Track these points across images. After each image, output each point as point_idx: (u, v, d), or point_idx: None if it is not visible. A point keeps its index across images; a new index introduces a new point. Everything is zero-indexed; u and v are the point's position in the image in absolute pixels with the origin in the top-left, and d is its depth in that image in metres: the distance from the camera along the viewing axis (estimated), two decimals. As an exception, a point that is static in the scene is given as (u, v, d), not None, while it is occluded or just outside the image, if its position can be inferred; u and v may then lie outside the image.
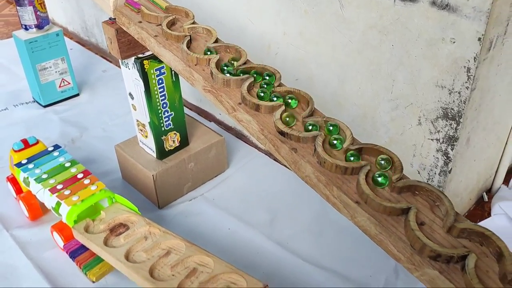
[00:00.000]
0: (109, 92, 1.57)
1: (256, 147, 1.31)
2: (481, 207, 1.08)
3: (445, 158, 0.86)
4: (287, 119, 0.66)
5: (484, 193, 1.10)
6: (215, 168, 1.19)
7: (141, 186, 1.12)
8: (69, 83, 1.51)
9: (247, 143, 1.33)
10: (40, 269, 0.95)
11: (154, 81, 0.98)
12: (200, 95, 1.42)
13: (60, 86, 1.49)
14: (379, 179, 0.59)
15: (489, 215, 1.04)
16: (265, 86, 0.73)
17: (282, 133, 0.66)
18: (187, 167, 1.12)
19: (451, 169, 0.87)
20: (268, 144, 0.68)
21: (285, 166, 1.22)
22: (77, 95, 1.55)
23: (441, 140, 0.85)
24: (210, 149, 1.15)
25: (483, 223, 1.00)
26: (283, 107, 0.69)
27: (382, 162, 0.61)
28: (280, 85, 0.74)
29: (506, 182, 1.14)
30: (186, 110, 1.23)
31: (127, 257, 0.81)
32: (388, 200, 0.57)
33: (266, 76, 0.74)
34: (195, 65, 0.78)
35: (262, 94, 0.71)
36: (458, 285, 0.50)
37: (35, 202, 1.04)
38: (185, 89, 1.47)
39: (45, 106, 1.49)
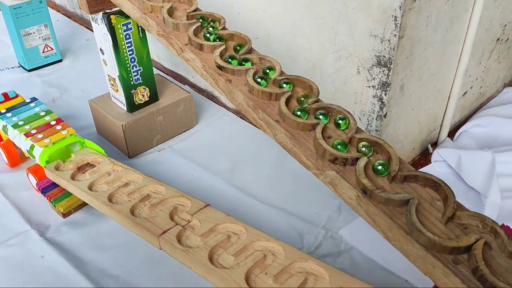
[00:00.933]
0: (91, 58, 1.66)
1: (225, 106, 1.39)
2: (425, 158, 1.17)
3: (380, 103, 0.95)
4: (229, 59, 0.75)
5: (429, 145, 1.19)
6: (184, 123, 1.28)
7: (113, 137, 1.20)
8: (52, 49, 1.59)
9: (217, 104, 1.41)
10: (16, 207, 1.04)
11: (121, 36, 1.07)
12: (175, 60, 1.51)
13: (43, 52, 1.57)
14: (302, 99, 0.67)
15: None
16: (211, 29, 0.81)
17: (220, 67, 0.75)
18: (156, 120, 1.20)
19: (386, 113, 0.96)
20: (209, 78, 0.77)
21: (251, 123, 1.31)
22: (60, 61, 1.63)
23: (376, 87, 0.94)
24: (179, 104, 1.23)
25: (424, 169, 1.09)
26: (223, 46, 0.78)
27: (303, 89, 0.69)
28: (224, 28, 0.83)
29: (452, 136, 1.22)
30: (161, 73, 1.31)
31: (90, 188, 0.90)
32: (301, 118, 0.66)
33: (211, 21, 0.83)
34: (150, 12, 0.86)
35: (208, 35, 0.79)
36: (350, 182, 0.59)
37: (13, 150, 1.13)
38: (161, 54, 1.56)
39: (29, 70, 1.58)
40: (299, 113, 0.65)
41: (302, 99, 0.67)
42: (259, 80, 0.71)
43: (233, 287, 0.61)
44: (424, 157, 1.17)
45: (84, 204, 1.04)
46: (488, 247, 0.51)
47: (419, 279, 0.87)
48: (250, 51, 0.78)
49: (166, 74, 1.56)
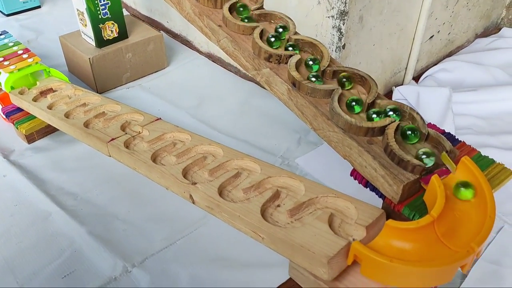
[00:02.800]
0: (69, 5, 1.66)
1: (198, 51, 1.40)
2: (390, 99, 1.19)
3: (339, 34, 0.96)
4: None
5: (394, 87, 1.20)
6: (154, 63, 1.29)
7: (82, 73, 1.22)
8: (30, -6, 1.59)
9: (190, 48, 1.43)
10: (-17, 133, 1.06)
11: (88, -33, 1.07)
12: (151, 5, 1.51)
13: (21, -4, 1.58)
14: (240, 9, 0.69)
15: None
16: None
17: (170, -20, 0.76)
18: (125, 57, 1.22)
19: (344, 44, 0.97)
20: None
21: (222, 66, 1.33)
22: (39, 7, 1.64)
23: (335, 17, 0.95)
24: (148, 42, 1.24)
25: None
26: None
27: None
28: None
29: (417, 80, 1.24)
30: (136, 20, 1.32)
31: (50, 108, 0.92)
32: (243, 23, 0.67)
33: None
34: None
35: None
36: (283, 77, 0.61)
37: (-17, 81, 1.14)
38: (137, 0, 1.56)
39: (7, 15, 1.58)
40: (246, 20, 0.67)
41: (242, 8, 0.69)
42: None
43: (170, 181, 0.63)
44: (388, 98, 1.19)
45: (49, 132, 1.06)
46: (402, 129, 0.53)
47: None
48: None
49: (142, 20, 1.56)
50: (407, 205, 0.50)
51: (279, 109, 1.15)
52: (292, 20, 0.67)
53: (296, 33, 0.66)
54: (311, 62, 0.60)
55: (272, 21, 0.69)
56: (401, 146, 0.52)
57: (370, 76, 0.59)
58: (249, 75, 1.20)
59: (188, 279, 0.77)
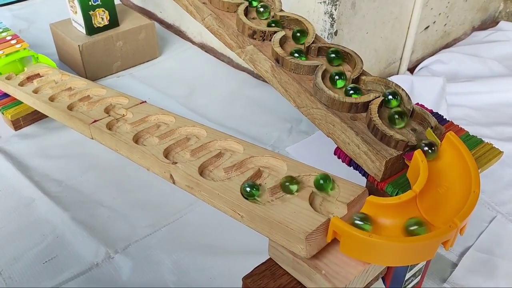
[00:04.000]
0: (63, -4, 1.64)
1: (191, 41, 1.39)
2: (383, 88, 1.17)
3: (331, 20, 0.95)
4: None
5: (389, 79, 1.18)
6: (146, 52, 1.27)
7: (72, 60, 1.20)
8: (23, -16, 1.58)
9: (183, 38, 1.41)
10: (-30, 120, 1.05)
11: (77, -48, 1.06)
12: (144, -4, 1.50)
13: (14, -14, 1.56)
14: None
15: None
16: None
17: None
18: (116, 45, 1.20)
19: (336, 30, 0.95)
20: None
21: (215, 56, 1.31)
22: (32, -3, 1.62)
23: (327, 2, 0.93)
24: (140, 31, 1.23)
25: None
26: None
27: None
28: None
29: (412, 71, 1.22)
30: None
31: (35, 92, 0.90)
32: None
33: None
34: None
35: None
36: (266, 54, 0.59)
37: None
38: (131, -10, 1.54)
39: (0, 5, 1.57)
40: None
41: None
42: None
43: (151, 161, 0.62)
44: (381, 88, 1.17)
45: (36, 119, 1.05)
46: (386, 106, 0.52)
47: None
48: None
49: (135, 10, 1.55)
50: (390, 182, 0.49)
51: (271, 98, 1.13)
52: (280, 3, 0.65)
53: (281, 10, 0.64)
54: (298, 34, 0.58)
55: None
56: (382, 118, 0.50)
57: (355, 53, 0.57)
58: (240, 65, 1.18)
59: (171, 265, 0.75)
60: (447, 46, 1.34)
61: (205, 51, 1.34)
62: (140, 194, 0.88)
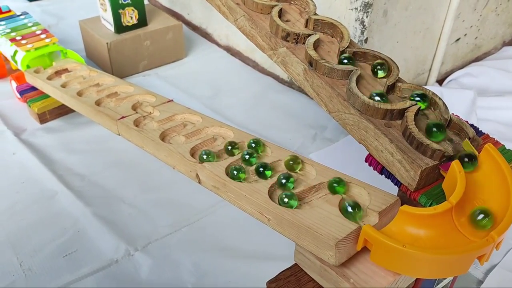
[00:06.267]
0: (92, -6, 1.66)
1: (217, 44, 1.39)
2: (410, 99, 1.15)
3: (362, 26, 0.94)
4: None
5: (415, 88, 1.17)
6: (172, 52, 1.28)
7: (100, 58, 1.21)
8: (54, -19, 1.60)
9: (210, 41, 1.41)
10: (-3, 111, 1.06)
11: (111, -50, 1.07)
12: (173, -3, 1.51)
13: (45, -17, 1.59)
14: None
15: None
16: None
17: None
18: (143, 44, 1.21)
19: (367, 38, 0.94)
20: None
21: (240, 60, 1.31)
22: (62, -6, 1.64)
23: (358, 9, 0.93)
24: (167, 31, 1.23)
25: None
26: None
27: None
28: None
29: (441, 83, 1.20)
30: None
31: (63, 86, 0.91)
32: None
33: None
34: None
35: None
36: (299, 57, 0.58)
37: (1, 61, 1.15)
38: (159, -10, 1.56)
39: (31, 0, 1.59)
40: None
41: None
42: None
43: (177, 159, 0.61)
44: (408, 99, 1.15)
45: (62, 113, 1.05)
46: (423, 114, 0.50)
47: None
48: None
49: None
50: (424, 193, 0.47)
51: (296, 104, 1.12)
52: (312, 1, 0.64)
53: (316, 13, 0.63)
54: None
55: (292, 2, 0.66)
56: (418, 126, 0.48)
57: (391, 59, 0.56)
58: (266, 69, 1.18)
59: (190, 266, 0.75)
60: (477, 59, 1.31)
61: (231, 54, 1.34)
62: (162, 193, 0.88)
